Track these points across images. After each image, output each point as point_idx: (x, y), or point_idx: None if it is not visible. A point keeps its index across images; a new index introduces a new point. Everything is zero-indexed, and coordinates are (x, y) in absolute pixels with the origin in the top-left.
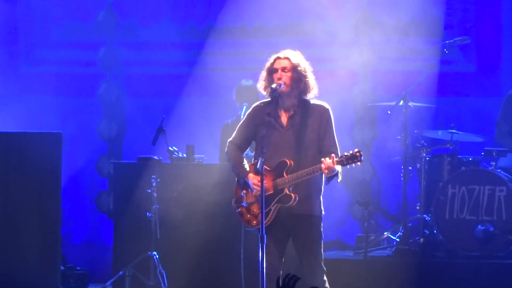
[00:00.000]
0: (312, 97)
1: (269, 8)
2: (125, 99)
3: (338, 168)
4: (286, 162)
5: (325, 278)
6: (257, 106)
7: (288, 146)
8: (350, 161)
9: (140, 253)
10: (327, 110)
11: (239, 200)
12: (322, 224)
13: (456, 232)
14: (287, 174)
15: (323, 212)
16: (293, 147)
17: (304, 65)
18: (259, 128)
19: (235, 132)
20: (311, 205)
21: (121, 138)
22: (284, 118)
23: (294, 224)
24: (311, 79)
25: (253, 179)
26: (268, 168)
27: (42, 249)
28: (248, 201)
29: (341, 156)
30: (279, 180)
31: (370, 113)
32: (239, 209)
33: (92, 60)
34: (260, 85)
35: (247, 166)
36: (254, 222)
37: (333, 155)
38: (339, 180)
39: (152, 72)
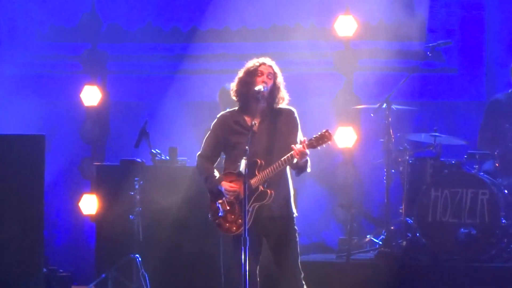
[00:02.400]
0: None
1: (253, 10)
2: (108, 102)
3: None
4: (257, 161)
5: (303, 281)
6: (223, 115)
7: (260, 151)
8: (320, 142)
9: (122, 256)
10: (294, 113)
11: (215, 212)
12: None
13: (439, 235)
14: (259, 173)
15: (296, 214)
16: (265, 151)
17: (281, 77)
18: (229, 136)
19: (203, 145)
20: (286, 206)
21: (104, 141)
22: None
23: (271, 227)
24: (284, 92)
25: (225, 184)
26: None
27: (24, 251)
28: (225, 209)
29: (310, 139)
30: (252, 180)
31: (353, 116)
32: (217, 221)
33: (75, 63)
34: (234, 85)
35: (218, 175)
36: (234, 228)
37: (304, 138)
38: (308, 170)
39: (136, 75)
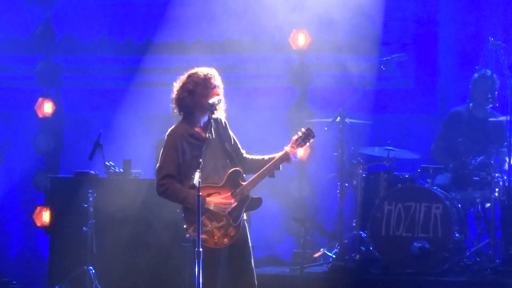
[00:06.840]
0: None
1: (207, 23)
2: (62, 114)
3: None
4: (238, 170)
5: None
6: (178, 131)
7: (220, 157)
8: (306, 140)
9: (76, 268)
10: (224, 120)
11: (196, 229)
12: None
13: (392, 249)
14: (243, 181)
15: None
16: (225, 156)
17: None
18: (187, 151)
19: (167, 166)
20: None
21: (58, 153)
22: (203, 134)
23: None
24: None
25: (219, 199)
26: (218, 185)
27: None
28: (214, 224)
29: (297, 139)
30: (239, 190)
31: None
32: (202, 236)
33: (29, 74)
34: (185, 94)
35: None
36: (226, 240)
37: (294, 138)
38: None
39: (90, 87)
